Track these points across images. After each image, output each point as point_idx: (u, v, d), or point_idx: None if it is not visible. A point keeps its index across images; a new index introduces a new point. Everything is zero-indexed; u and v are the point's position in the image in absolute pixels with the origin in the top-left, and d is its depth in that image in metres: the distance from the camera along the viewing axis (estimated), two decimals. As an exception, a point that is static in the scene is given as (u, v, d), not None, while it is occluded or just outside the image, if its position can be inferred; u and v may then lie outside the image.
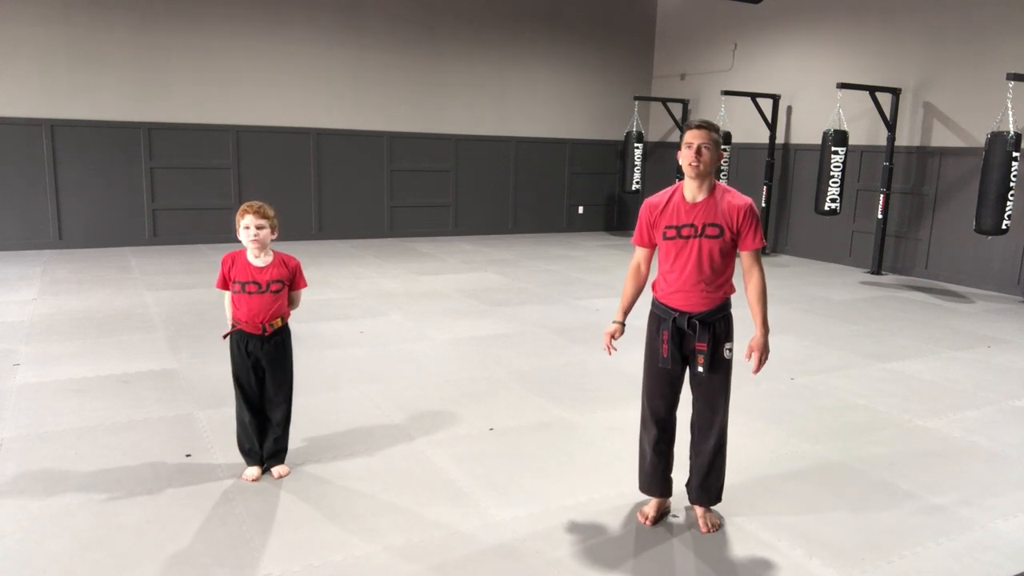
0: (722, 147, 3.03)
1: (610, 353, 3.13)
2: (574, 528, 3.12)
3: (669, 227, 2.97)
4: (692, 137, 2.90)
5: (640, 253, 3.14)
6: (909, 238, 9.67)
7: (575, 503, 3.33)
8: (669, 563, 2.90)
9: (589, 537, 3.06)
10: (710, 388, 3.04)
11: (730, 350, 3.02)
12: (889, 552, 3.01)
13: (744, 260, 3.01)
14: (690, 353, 3.01)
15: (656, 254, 3.11)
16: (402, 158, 11.67)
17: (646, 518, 3.17)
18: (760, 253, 3.01)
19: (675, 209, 2.98)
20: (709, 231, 2.91)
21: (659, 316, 3.05)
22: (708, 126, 2.91)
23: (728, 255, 2.96)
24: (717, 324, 2.98)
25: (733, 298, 3.05)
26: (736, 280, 3.05)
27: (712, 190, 2.96)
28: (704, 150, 2.88)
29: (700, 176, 2.92)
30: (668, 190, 3.06)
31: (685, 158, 2.90)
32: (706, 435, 3.10)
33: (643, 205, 3.09)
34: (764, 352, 3.00)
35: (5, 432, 3.93)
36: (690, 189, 2.97)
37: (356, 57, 11.11)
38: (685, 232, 2.94)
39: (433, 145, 11.87)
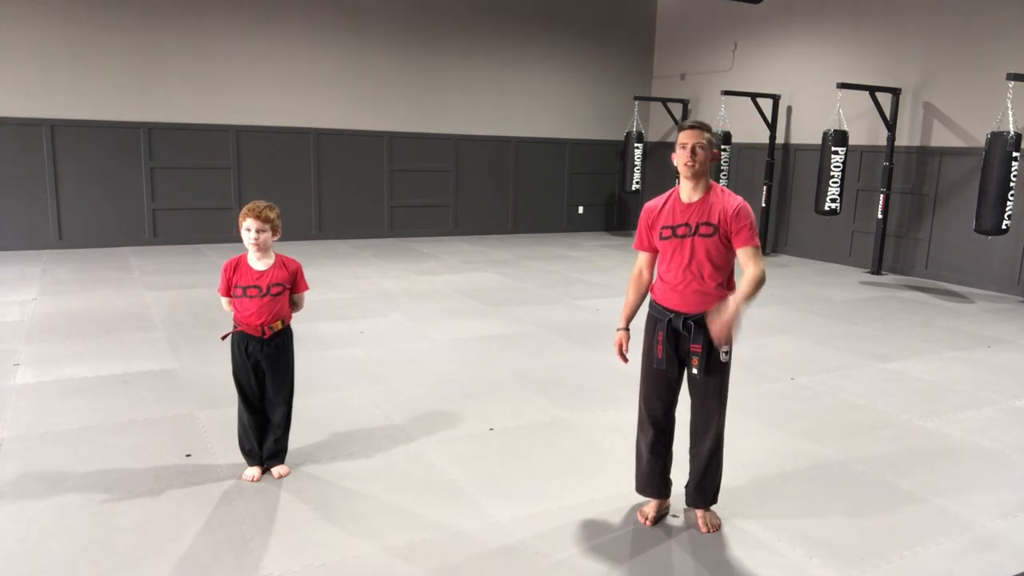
0: (718, 147, 3.05)
1: (625, 361, 3.14)
2: (574, 528, 3.12)
3: (665, 227, 3.00)
4: (686, 137, 2.94)
5: (642, 258, 3.16)
6: (909, 238, 9.67)
7: (575, 503, 3.33)
8: (668, 563, 2.90)
9: (589, 537, 3.06)
10: (705, 391, 3.04)
11: (727, 353, 3.01)
12: (889, 552, 3.01)
13: (740, 257, 2.95)
14: (685, 355, 3.02)
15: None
16: (402, 158, 11.67)
17: (646, 518, 3.18)
18: (757, 251, 2.92)
19: (671, 210, 3.01)
20: (703, 230, 2.92)
21: (655, 317, 3.06)
22: (701, 126, 2.96)
23: (722, 254, 2.94)
24: None
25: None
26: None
27: (708, 190, 2.98)
28: (699, 150, 2.91)
29: (695, 176, 2.95)
30: (665, 194, 3.09)
31: (680, 158, 2.94)
32: (701, 438, 3.11)
33: (642, 210, 3.12)
34: (730, 318, 2.76)
35: (5, 432, 3.93)
36: (686, 189, 2.99)
37: (356, 57, 11.10)
38: (680, 231, 2.96)
39: (433, 145, 11.87)
